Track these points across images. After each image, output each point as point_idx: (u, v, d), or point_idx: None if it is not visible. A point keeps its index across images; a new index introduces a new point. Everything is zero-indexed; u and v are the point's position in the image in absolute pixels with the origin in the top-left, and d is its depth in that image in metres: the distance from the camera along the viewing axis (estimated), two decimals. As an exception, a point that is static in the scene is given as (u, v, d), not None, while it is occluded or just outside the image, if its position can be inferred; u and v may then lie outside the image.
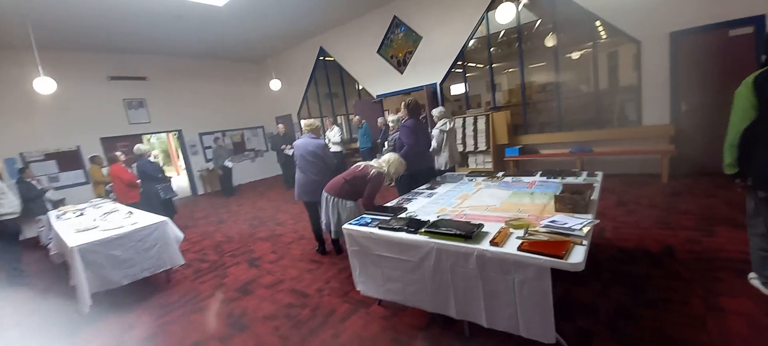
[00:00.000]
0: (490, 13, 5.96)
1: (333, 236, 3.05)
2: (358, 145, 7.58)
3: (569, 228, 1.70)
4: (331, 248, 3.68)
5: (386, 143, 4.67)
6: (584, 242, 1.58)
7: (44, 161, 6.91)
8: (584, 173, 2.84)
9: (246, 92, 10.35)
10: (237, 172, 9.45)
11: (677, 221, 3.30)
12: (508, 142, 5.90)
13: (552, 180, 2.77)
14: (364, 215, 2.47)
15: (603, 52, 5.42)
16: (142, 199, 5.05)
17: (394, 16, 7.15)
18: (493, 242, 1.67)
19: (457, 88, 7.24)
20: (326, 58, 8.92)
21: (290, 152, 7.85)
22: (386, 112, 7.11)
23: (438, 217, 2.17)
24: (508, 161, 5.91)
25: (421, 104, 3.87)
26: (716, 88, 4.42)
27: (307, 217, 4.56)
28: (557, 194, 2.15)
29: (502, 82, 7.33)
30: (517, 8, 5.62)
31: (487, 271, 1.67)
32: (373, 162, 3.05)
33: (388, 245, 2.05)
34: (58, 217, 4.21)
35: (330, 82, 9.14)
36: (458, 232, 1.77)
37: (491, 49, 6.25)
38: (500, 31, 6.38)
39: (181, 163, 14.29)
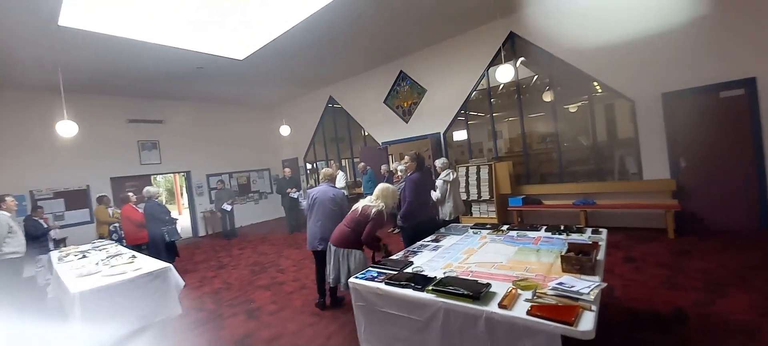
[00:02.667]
0: (490, 69, 6.32)
1: (342, 288, 3.00)
2: (361, 190, 7.66)
3: (577, 292, 1.70)
4: (330, 302, 3.61)
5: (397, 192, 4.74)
6: (593, 308, 1.58)
7: (52, 199, 7.00)
8: (589, 230, 2.86)
9: (254, 136, 10.68)
10: (240, 213, 9.48)
11: (687, 282, 3.24)
12: (511, 192, 5.95)
13: (556, 237, 2.79)
14: (369, 269, 2.47)
15: (600, 105, 5.65)
16: (149, 240, 5.05)
17: (401, 71, 7.58)
18: (501, 305, 1.66)
19: (459, 135, 7.46)
20: (335, 105, 9.32)
21: (296, 196, 7.95)
22: (392, 160, 7.27)
23: (444, 273, 2.17)
24: (512, 212, 5.92)
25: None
26: (711, 147, 4.55)
27: (309, 264, 4.53)
28: (563, 253, 2.16)
29: (503, 129, 7.57)
30: (515, 66, 5.97)
31: (496, 336, 1.64)
32: (367, 200, 3.12)
33: (395, 302, 2.04)
34: (59, 259, 4.19)
35: (337, 127, 9.47)
36: (466, 292, 1.77)
37: (492, 100, 6.52)
38: (499, 85, 6.72)
39: (184, 202, 14.38)
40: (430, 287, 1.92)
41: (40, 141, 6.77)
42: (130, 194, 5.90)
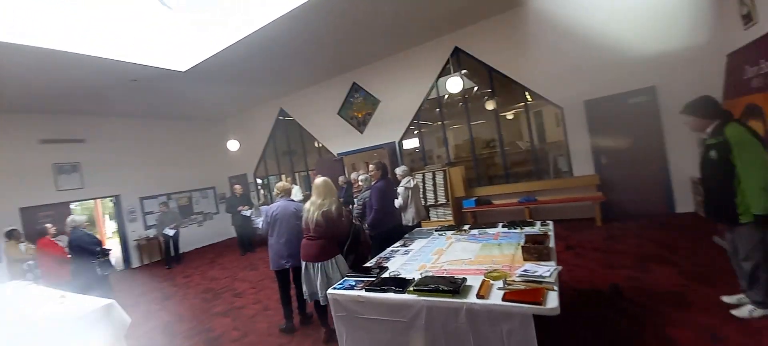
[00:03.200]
0: (440, 81, 6.71)
1: (322, 301, 2.86)
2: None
3: (540, 276, 1.90)
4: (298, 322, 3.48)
5: (355, 202, 4.75)
6: (554, 288, 1.78)
7: (-62, 240, 5.76)
8: (538, 223, 3.17)
9: (196, 152, 9.90)
10: (182, 238, 8.67)
11: (618, 261, 3.75)
12: (465, 194, 6.33)
13: (513, 231, 3.05)
14: (346, 278, 2.47)
15: (534, 112, 6.31)
16: (76, 276, 4.40)
17: (354, 82, 7.69)
18: (479, 295, 1.79)
19: (409, 143, 7.72)
20: (286, 118, 9.08)
21: (248, 214, 7.54)
22: (348, 171, 7.27)
23: (421, 274, 2.26)
24: (467, 213, 6.29)
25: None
26: (624, 144, 5.35)
27: (270, 284, 4.31)
28: (522, 244, 2.39)
29: (449, 137, 8.03)
30: (461, 77, 6.43)
31: (477, 325, 1.76)
32: (313, 205, 2.91)
33: (377, 307, 2.07)
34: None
35: (289, 140, 9.22)
36: (446, 287, 1.87)
37: (440, 110, 6.92)
38: (444, 95, 7.14)
39: (108, 231, 12.75)
40: (412, 288, 2.00)
41: None
42: (49, 225, 5.13)
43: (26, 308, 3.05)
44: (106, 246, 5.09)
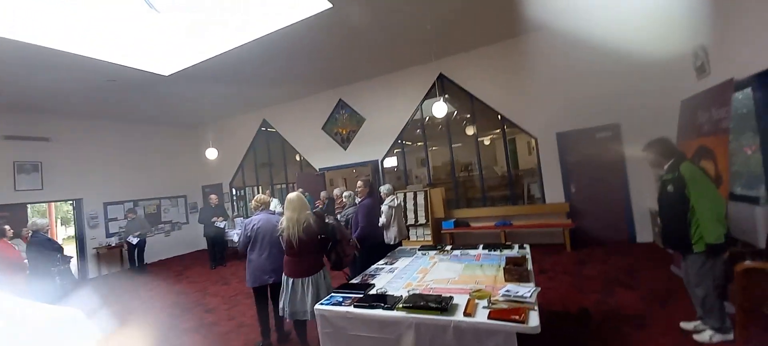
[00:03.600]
0: (425, 104, 6.96)
1: (309, 318, 2.77)
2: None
3: (522, 296, 2.02)
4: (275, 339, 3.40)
5: (338, 218, 4.76)
6: (535, 308, 1.90)
7: None
8: (516, 246, 3.34)
9: (169, 158, 9.51)
10: (147, 247, 8.22)
11: (586, 285, 3.97)
12: (444, 216, 6.49)
13: (493, 253, 3.19)
14: (333, 294, 2.48)
15: (511, 140, 6.67)
16: (33, 284, 4.07)
17: (340, 99, 7.80)
18: (466, 313, 1.88)
19: (389, 162, 7.86)
20: (269, 129, 8.99)
21: (222, 225, 7.31)
22: (329, 186, 7.27)
23: (408, 292, 2.32)
24: (445, 234, 6.43)
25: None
26: (591, 176, 5.76)
27: (243, 300, 4.17)
28: (504, 266, 2.52)
29: (429, 158, 8.26)
30: (441, 100, 6.71)
31: (464, 341, 1.84)
32: (288, 220, 2.81)
33: (365, 323, 2.10)
34: None
35: (270, 152, 9.10)
36: (434, 305, 1.94)
37: (423, 132, 7.15)
38: (426, 117, 7.37)
39: (61, 235, 11.83)
40: (400, 305, 2.05)
41: None
42: (7, 227, 4.75)
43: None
44: (67, 253, 4.75)
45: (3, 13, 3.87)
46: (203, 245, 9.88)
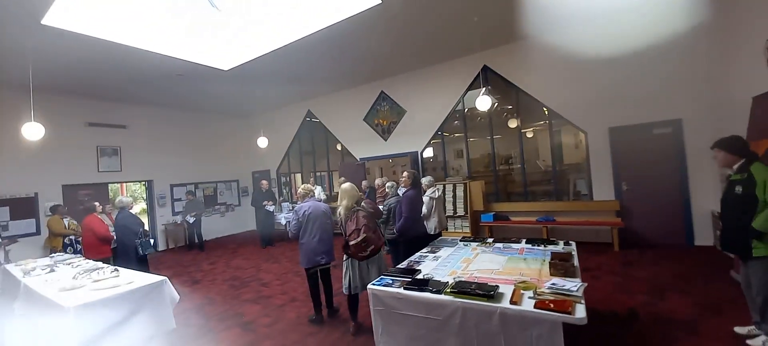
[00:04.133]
0: (469, 97, 6.93)
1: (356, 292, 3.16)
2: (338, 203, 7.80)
3: (568, 290, 2.09)
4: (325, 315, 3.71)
5: (382, 207, 4.99)
6: (582, 301, 1.98)
7: (-6, 208, 6.26)
8: (561, 243, 3.35)
9: (225, 145, 10.35)
10: (205, 226, 9.10)
11: (634, 287, 3.87)
12: (483, 208, 6.50)
13: (536, 248, 3.24)
14: (382, 276, 2.70)
15: (557, 134, 6.44)
16: (119, 254, 4.76)
17: (382, 91, 7.98)
18: (512, 302, 2.00)
19: (426, 152, 7.91)
20: (312, 119, 9.44)
21: (271, 209, 7.87)
22: (370, 175, 7.53)
23: (453, 279, 2.47)
24: (484, 227, 6.45)
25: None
26: (646, 174, 5.45)
27: (293, 278, 4.42)
28: (550, 261, 2.58)
29: (463, 149, 8.16)
30: (484, 93, 6.63)
31: (508, 327, 1.97)
32: (342, 210, 3.22)
33: (415, 304, 2.29)
34: (25, 273, 3.83)
35: (314, 141, 9.57)
36: (482, 292, 2.08)
37: (464, 124, 7.13)
38: (465, 109, 7.29)
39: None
40: (448, 290, 2.21)
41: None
42: (97, 203, 5.52)
43: (88, 276, 3.38)
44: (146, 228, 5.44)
45: (91, 16, 4.46)
46: (252, 225, 10.74)
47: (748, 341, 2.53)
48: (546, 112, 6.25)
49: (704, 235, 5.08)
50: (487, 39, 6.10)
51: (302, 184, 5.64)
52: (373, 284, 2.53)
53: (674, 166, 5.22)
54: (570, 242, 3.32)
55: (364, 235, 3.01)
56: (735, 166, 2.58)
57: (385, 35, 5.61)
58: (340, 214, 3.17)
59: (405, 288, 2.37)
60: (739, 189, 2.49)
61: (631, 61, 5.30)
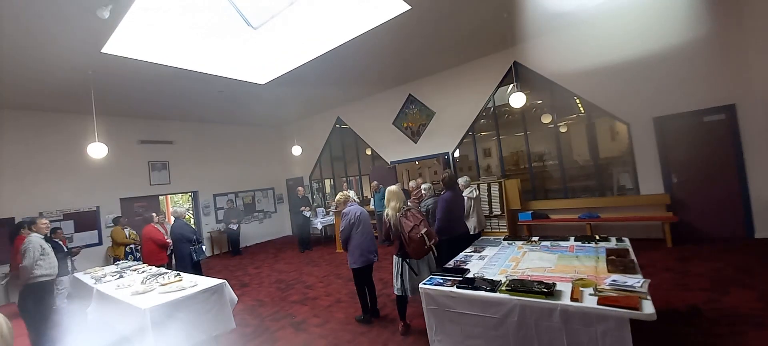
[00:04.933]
0: (504, 95, 6.84)
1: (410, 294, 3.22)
2: (371, 207, 7.93)
3: (631, 286, 2.05)
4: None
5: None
6: (647, 297, 1.93)
7: (61, 221, 6.90)
8: (613, 239, 3.25)
9: (260, 155, 10.83)
10: (245, 232, 9.55)
11: (694, 283, 3.67)
12: (520, 207, 6.38)
13: (588, 245, 3.16)
14: (432, 276, 2.75)
15: (597, 126, 6.20)
16: (176, 260, 5.12)
17: (409, 94, 8.05)
18: (573, 298, 1.99)
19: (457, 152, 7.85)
20: (342, 126, 9.67)
21: (307, 214, 8.12)
22: (403, 179, 7.59)
23: (506, 277, 2.48)
24: (522, 226, 6.33)
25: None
26: (698, 165, 5.14)
27: (335, 280, 4.48)
28: (606, 257, 2.53)
29: (491, 147, 7.98)
30: (517, 90, 6.51)
31: (570, 324, 1.96)
32: (389, 212, 3.29)
33: (469, 303, 2.33)
34: (96, 280, 4.22)
35: (344, 147, 9.79)
36: (540, 289, 2.09)
37: (496, 121, 7.04)
38: (491, 107, 7.13)
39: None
40: (504, 288, 2.24)
41: (49, 162, 6.77)
42: (154, 214, 5.96)
43: (155, 281, 3.68)
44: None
45: (143, 43, 4.85)
46: (288, 231, 11.13)
47: None
48: (579, 105, 6.06)
49: (766, 226, 4.72)
50: (517, 35, 6.00)
51: (339, 192, 5.75)
52: (424, 284, 2.59)
53: (729, 155, 4.89)
54: (623, 238, 3.22)
55: (426, 229, 3.09)
56: None
57: (413, 38, 5.67)
58: (387, 215, 3.26)
59: (458, 287, 2.41)
60: None
61: (675, 47, 5.04)
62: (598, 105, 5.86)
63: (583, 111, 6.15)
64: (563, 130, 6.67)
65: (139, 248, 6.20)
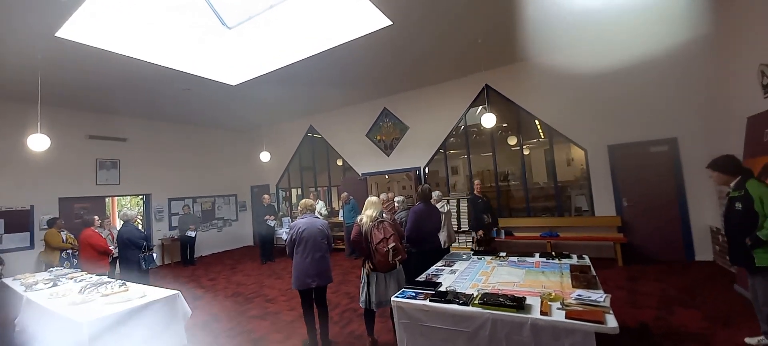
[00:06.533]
0: (474, 115, 7.10)
1: (374, 308, 3.12)
2: (340, 218, 7.77)
3: (595, 300, 2.14)
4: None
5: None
6: (610, 311, 2.02)
7: (-14, 221, 6.07)
8: (574, 256, 3.41)
9: (224, 159, 10.30)
10: (201, 241, 8.96)
11: (642, 302, 3.93)
12: (487, 224, 6.55)
13: (552, 261, 3.29)
14: (404, 289, 2.71)
15: (558, 152, 6.62)
16: (121, 268, 4.65)
17: (385, 108, 8.11)
18: (542, 312, 2.03)
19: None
20: (314, 135, 9.49)
21: (272, 224, 7.80)
22: (385, 192, 7.53)
23: (478, 291, 2.50)
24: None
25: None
26: (645, 191, 5.61)
27: (298, 294, 4.02)
28: (570, 272, 2.63)
29: (458, 166, 8.24)
30: (486, 110, 6.80)
31: (540, 338, 1.99)
32: (364, 219, 3.14)
33: (442, 316, 2.30)
34: (26, 287, 3.70)
35: (315, 156, 9.59)
36: (511, 303, 2.11)
37: (467, 141, 7.27)
38: (460, 127, 7.40)
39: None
40: (476, 302, 2.24)
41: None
42: (96, 217, 5.41)
43: (96, 290, 3.29)
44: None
45: (103, 29, 4.50)
46: (250, 241, 10.58)
47: None
48: (540, 130, 6.44)
49: (704, 250, 5.21)
50: (490, 60, 6.31)
51: (303, 199, 5.40)
52: (396, 297, 2.54)
53: (672, 183, 5.40)
54: (583, 255, 3.39)
55: (393, 243, 3.01)
56: (732, 184, 2.72)
57: (391, 55, 5.76)
58: (361, 221, 3.17)
59: (430, 300, 2.39)
60: (738, 205, 2.61)
61: (628, 82, 5.55)
62: (560, 131, 6.25)
63: (543, 136, 6.53)
64: (526, 152, 7.04)
65: (76, 253, 5.58)
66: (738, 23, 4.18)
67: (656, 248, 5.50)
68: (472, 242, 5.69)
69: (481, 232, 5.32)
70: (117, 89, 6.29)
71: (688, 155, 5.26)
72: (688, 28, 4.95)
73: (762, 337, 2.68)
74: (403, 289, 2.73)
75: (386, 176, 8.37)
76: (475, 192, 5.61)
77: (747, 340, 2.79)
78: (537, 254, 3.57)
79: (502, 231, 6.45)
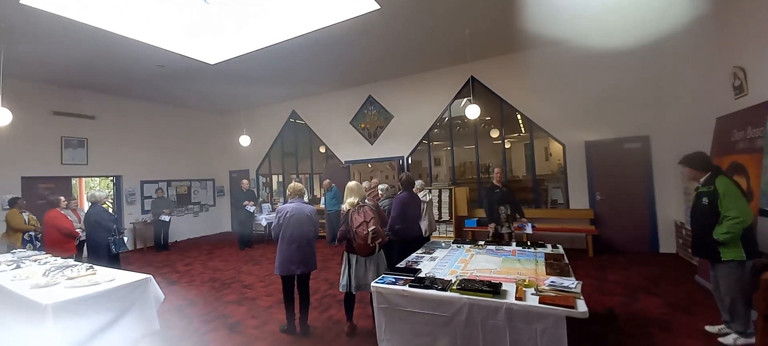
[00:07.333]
0: (455, 105, 7.14)
1: (354, 291, 3.17)
2: (322, 206, 7.71)
3: (567, 287, 2.22)
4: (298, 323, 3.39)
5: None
6: (581, 297, 2.11)
7: (-65, 199, 5.64)
8: (549, 246, 3.53)
9: (202, 142, 9.96)
10: (176, 226, 8.70)
11: (610, 289, 4.13)
12: (467, 214, 6.68)
13: (527, 250, 3.39)
14: (384, 275, 2.72)
15: (524, 144, 6.79)
16: (89, 252, 4.45)
17: (369, 95, 8.03)
18: (517, 297, 2.09)
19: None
20: (297, 120, 9.30)
21: (251, 209, 7.65)
22: (369, 179, 7.50)
23: (456, 277, 2.54)
24: (467, 231, 6.63)
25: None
26: (617, 185, 5.86)
27: (277, 279, 3.93)
28: (546, 261, 2.72)
29: (441, 157, 8.38)
30: (470, 103, 6.86)
31: (514, 322, 2.05)
32: (346, 206, 3.15)
33: (420, 301, 2.33)
34: (-18, 269, 3.47)
35: (297, 142, 9.42)
36: (488, 289, 2.16)
37: (451, 132, 7.33)
38: (445, 118, 7.47)
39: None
40: (454, 287, 2.28)
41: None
42: (62, 198, 5.14)
43: (61, 273, 3.13)
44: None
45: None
46: (227, 227, 10.36)
47: (720, 339, 2.79)
48: (521, 124, 6.56)
49: (668, 243, 5.52)
50: (477, 51, 6.32)
51: (293, 183, 5.25)
52: (377, 282, 2.55)
53: (642, 179, 5.65)
54: (557, 245, 3.51)
55: (373, 226, 2.99)
56: (702, 180, 2.86)
57: (377, 41, 5.68)
58: (344, 210, 3.16)
59: (410, 286, 2.41)
60: (705, 200, 2.75)
61: (606, 81, 5.72)
62: (541, 126, 6.39)
63: (524, 131, 6.66)
64: (508, 146, 7.19)
65: (40, 236, 5.29)
66: (712, 26, 4.35)
67: (624, 240, 5.78)
68: (489, 237, 5.05)
69: (493, 225, 4.97)
70: (86, 63, 5.92)
71: (658, 153, 5.51)
72: (663, 29, 5.12)
73: (723, 326, 2.87)
74: (383, 275, 2.74)
75: (369, 165, 8.34)
76: (494, 181, 5.12)
77: (707, 328, 2.97)
78: (514, 243, 3.66)
79: (531, 224, 5.38)
